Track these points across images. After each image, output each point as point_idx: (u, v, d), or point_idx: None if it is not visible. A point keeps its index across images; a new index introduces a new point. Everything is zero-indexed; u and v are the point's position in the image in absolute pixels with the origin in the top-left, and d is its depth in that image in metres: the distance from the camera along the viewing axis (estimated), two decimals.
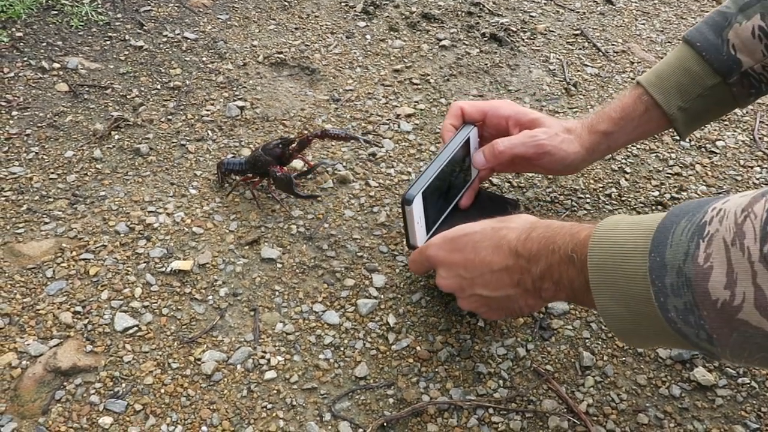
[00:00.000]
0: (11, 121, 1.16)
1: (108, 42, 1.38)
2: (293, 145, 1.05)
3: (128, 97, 1.24)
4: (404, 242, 0.96)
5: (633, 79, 1.38)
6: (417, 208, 0.86)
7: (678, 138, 1.22)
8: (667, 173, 1.15)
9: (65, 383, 0.78)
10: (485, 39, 1.48)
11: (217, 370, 0.81)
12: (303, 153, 1.08)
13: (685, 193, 1.10)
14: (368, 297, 0.91)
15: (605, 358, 0.86)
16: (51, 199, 1.02)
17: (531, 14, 1.60)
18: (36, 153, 1.10)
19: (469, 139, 0.96)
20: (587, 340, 0.88)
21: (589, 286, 0.61)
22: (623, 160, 1.17)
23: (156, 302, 0.88)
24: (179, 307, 0.88)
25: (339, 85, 1.31)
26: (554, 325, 0.89)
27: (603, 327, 0.89)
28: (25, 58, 1.30)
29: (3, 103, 1.19)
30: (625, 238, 0.59)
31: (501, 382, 0.82)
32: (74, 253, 0.94)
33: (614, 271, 0.59)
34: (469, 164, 0.97)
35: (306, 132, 1.16)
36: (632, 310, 0.58)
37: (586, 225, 0.67)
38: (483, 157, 0.94)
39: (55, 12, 1.44)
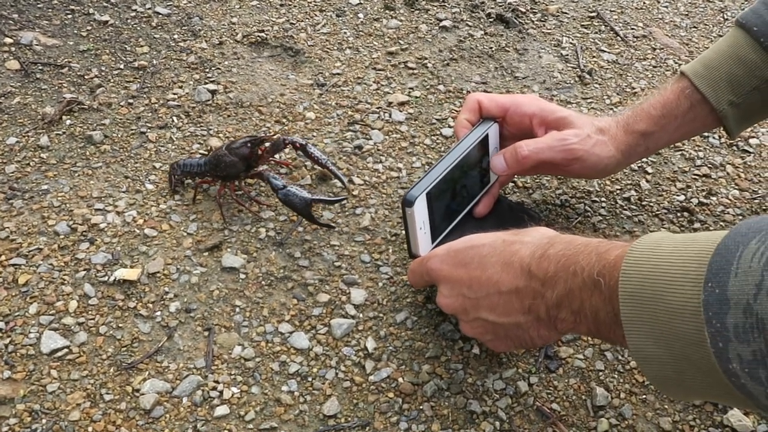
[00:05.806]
0: None
1: (69, 16, 1.24)
2: (265, 146, 0.90)
3: (86, 77, 1.10)
4: (405, 250, 0.82)
5: (654, 67, 1.23)
6: (420, 212, 0.72)
7: (726, 137, 1.08)
8: (695, 174, 1.01)
9: None
10: (491, 20, 1.34)
11: (158, 403, 0.68)
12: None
13: (714, 198, 0.96)
14: (344, 316, 0.78)
15: (622, 395, 0.72)
16: None
17: None
18: None
19: (487, 136, 0.82)
20: (601, 373, 0.74)
21: (619, 320, 0.49)
22: (644, 159, 1.02)
23: (93, 318, 0.75)
24: (120, 325, 0.75)
25: (325, 69, 1.17)
26: (562, 354, 0.76)
27: (620, 357, 0.76)
28: None
29: None
30: (670, 260, 0.46)
31: (498, 423, 0.68)
32: (3, 258, 0.80)
33: (654, 302, 0.46)
34: (487, 166, 0.84)
35: (282, 134, 0.97)
36: (676, 354, 0.46)
37: (617, 243, 0.54)
38: (504, 162, 0.80)
39: None
